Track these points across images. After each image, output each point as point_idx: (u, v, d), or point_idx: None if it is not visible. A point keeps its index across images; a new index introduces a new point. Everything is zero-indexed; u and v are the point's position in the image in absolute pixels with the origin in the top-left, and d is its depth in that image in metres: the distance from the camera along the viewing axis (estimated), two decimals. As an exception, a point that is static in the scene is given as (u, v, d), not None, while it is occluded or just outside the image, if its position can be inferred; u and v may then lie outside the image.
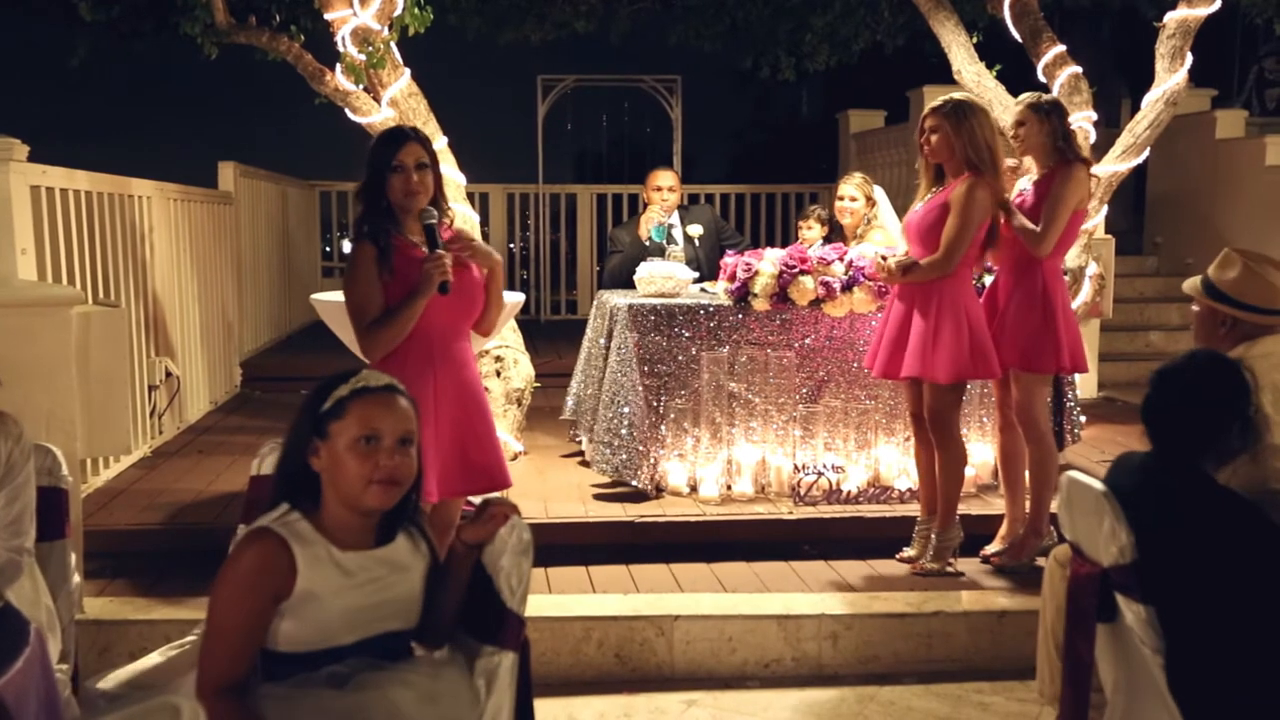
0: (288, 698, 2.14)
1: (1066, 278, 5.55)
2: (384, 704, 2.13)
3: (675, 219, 6.23)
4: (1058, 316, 4.26)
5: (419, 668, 2.26)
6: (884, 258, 4.33)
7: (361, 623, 2.21)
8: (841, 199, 5.87)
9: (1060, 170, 4.25)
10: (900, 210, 6.33)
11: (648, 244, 5.97)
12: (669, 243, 5.93)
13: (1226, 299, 3.23)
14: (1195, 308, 3.36)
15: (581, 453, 5.57)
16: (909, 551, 4.51)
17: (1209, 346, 3.18)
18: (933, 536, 4.39)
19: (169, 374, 6.11)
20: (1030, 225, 4.21)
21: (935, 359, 4.14)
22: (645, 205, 6.36)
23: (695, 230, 6.13)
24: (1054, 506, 4.19)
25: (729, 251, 5.27)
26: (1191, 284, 3.37)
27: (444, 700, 2.21)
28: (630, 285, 5.47)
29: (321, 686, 2.15)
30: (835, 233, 5.99)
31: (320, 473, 2.23)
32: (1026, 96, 4.43)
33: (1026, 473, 4.45)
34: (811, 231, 6.02)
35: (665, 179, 6.26)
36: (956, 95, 4.28)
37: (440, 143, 5.34)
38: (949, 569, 4.37)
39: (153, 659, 2.49)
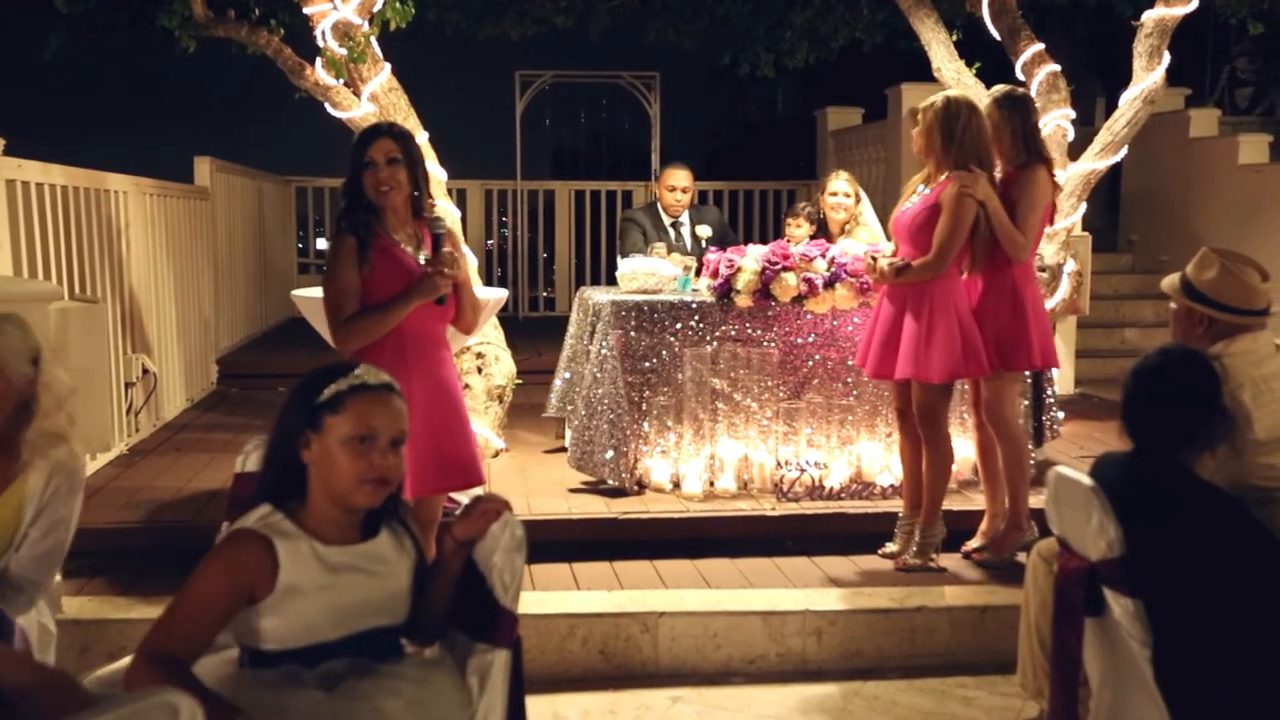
0: (276, 698, 2.12)
1: (1045, 274, 5.59)
2: (372, 714, 2.11)
3: (685, 218, 6.13)
4: (1028, 314, 4.28)
5: (407, 672, 2.24)
6: (874, 258, 4.33)
7: (346, 618, 2.20)
8: (834, 194, 5.86)
9: (1020, 176, 4.25)
10: (879, 208, 6.36)
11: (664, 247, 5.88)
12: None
13: (1204, 299, 3.25)
14: (1173, 305, 3.38)
15: (564, 449, 5.56)
16: (891, 547, 4.52)
17: (1186, 344, 3.20)
18: (916, 532, 4.41)
19: (145, 371, 6.05)
20: (1016, 234, 4.21)
21: (929, 359, 4.15)
22: (656, 199, 6.27)
23: (704, 231, 6.03)
24: (1035, 501, 4.23)
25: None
26: (1170, 283, 3.39)
27: (433, 705, 2.20)
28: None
29: (313, 686, 2.14)
30: (820, 230, 6.00)
31: (309, 464, 2.22)
32: (995, 90, 4.45)
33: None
34: (800, 230, 5.99)
35: (680, 178, 6.07)
36: (945, 94, 4.29)
37: (421, 138, 5.32)
38: (931, 564, 4.39)
39: (134, 659, 2.46)
